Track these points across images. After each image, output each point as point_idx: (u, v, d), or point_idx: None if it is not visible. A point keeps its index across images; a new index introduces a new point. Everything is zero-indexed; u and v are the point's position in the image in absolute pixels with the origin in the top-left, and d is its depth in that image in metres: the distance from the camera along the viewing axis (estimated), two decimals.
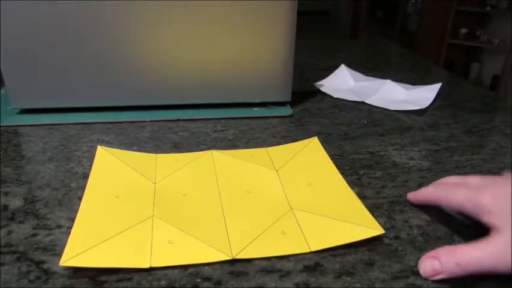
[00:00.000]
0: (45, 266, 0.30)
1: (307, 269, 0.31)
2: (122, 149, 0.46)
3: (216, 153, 0.46)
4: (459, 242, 0.34)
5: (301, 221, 0.36)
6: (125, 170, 0.42)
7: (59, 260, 0.30)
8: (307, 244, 0.33)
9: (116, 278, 0.30)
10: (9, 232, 0.34)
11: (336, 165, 0.44)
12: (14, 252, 0.32)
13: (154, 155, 0.46)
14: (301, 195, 0.39)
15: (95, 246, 0.31)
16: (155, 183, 0.40)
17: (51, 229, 0.34)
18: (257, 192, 0.40)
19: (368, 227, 0.34)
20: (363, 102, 0.65)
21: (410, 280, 0.30)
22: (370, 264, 0.32)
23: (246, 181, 0.41)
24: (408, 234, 0.35)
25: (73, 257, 0.30)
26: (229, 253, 0.32)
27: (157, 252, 0.31)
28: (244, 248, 0.32)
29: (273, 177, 0.42)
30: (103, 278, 0.30)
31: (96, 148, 0.45)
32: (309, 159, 0.46)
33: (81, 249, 0.31)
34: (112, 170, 0.42)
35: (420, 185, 0.42)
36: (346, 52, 0.99)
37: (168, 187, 0.40)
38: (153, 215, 0.35)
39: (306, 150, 0.47)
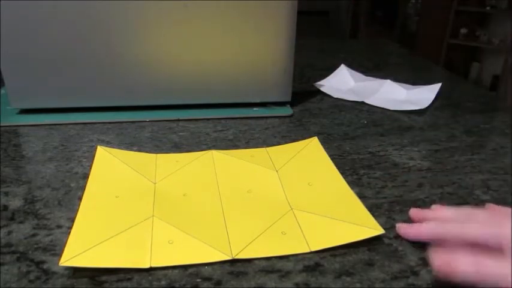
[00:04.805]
0: (45, 266, 0.30)
1: (307, 269, 0.31)
2: (122, 149, 0.46)
3: (216, 153, 0.46)
4: None
5: (301, 221, 0.35)
6: (125, 170, 0.42)
7: (59, 260, 0.30)
8: (307, 244, 0.33)
9: (116, 278, 0.30)
10: (9, 232, 0.34)
11: (336, 165, 0.44)
12: (14, 252, 0.32)
13: (155, 155, 0.46)
14: (301, 195, 0.39)
15: (94, 246, 0.31)
16: (155, 183, 0.40)
17: (51, 229, 0.34)
18: (257, 192, 0.40)
19: (368, 227, 0.34)
20: (363, 102, 0.65)
21: (410, 280, 0.30)
22: (370, 264, 0.32)
23: (246, 181, 0.41)
24: None
25: (73, 257, 0.30)
26: (229, 253, 0.32)
27: (157, 252, 0.31)
28: (244, 248, 0.32)
29: (273, 177, 0.42)
30: (103, 278, 0.30)
31: (96, 148, 0.45)
32: (309, 159, 0.46)
33: (81, 250, 0.31)
34: (112, 170, 0.42)
35: (420, 185, 0.42)
36: (346, 52, 0.99)
37: (168, 187, 0.40)
38: (153, 215, 0.35)
39: (306, 150, 0.47)
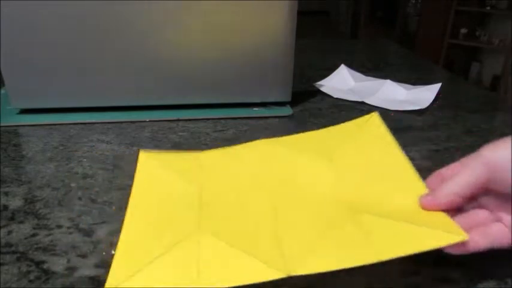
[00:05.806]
0: (45, 266, 0.30)
1: None
2: (166, 151, 0.43)
3: (262, 146, 0.41)
4: None
5: (366, 225, 0.30)
6: (169, 176, 0.38)
7: (104, 284, 0.27)
8: (375, 253, 0.27)
9: None
10: (9, 232, 0.34)
11: None
12: (14, 252, 0.32)
13: (198, 153, 0.41)
14: (363, 192, 0.35)
15: (141, 269, 0.28)
16: (202, 189, 0.37)
17: (51, 229, 0.34)
18: (312, 190, 0.36)
19: (448, 232, 0.28)
20: (362, 102, 0.65)
21: (411, 280, 0.30)
22: (370, 264, 0.31)
23: (299, 178, 0.37)
24: None
25: (121, 282, 0.27)
26: (283, 269, 0.28)
27: (205, 272, 0.28)
28: (300, 263, 0.28)
29: (330, 170, 0.37)
30: (103, 278, 0.29)
31: (138, 153, 0.40)
32: (367, 142, 0.39)
33: (127, 273, 0.28)
34: (156, 178, 0.38)
35: None
36: (346, 52, 0.99)
37: (215, 192, 0.37)
38: (200, 228, 0.32)
39: (363, 132, 0.41)
